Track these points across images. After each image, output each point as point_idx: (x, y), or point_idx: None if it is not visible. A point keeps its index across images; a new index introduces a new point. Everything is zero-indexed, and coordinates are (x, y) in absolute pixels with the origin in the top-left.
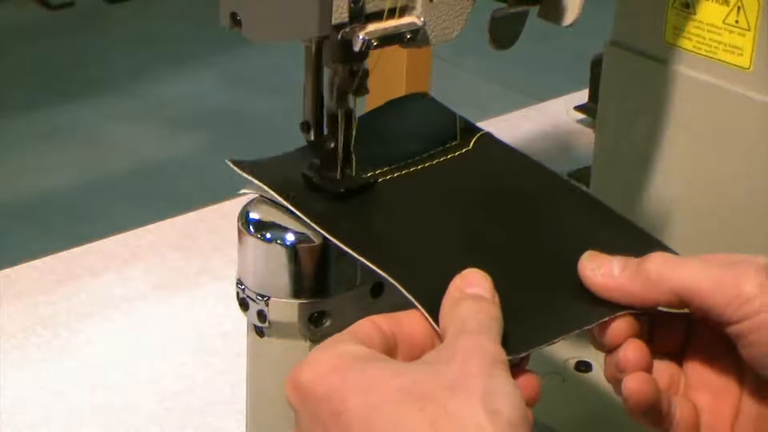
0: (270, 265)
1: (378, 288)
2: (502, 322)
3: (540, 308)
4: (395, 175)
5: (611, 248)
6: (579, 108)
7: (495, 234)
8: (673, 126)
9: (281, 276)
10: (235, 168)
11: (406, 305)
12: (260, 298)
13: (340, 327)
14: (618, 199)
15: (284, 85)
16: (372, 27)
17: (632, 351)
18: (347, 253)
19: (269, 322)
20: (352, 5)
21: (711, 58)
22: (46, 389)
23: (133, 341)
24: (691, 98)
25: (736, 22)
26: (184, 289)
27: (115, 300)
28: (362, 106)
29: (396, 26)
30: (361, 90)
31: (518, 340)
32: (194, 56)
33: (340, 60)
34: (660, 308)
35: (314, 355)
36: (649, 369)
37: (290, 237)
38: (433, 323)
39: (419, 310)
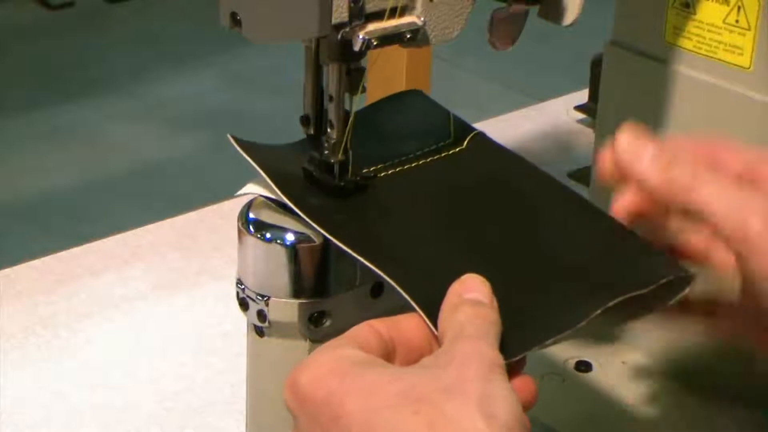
0: (270, 265)
1: (378, 288)
2: (500, 326)
3: (535, 309)
4: (390, 172)
5: (602, 247)
6: (579, 108)
7: (490, 234)
8: (673, 126)
9: (281, 276)
10: (235, 144)
11: (406, 306)
12: (260, 298)
13: (339, 327)
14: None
15: (284, 85)
16: (372, 27)
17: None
18: (347, 253)
19: (269, 322)
20: (352, 5)
21: (711, 57)
22: (46, 389)
23: (133, 341)
24: (691, 98)
25: (737, 21)
26: (184, 289)
27: (115, 300)
28: (362, 105)
29: (396, 26)
30: (358, 88)
31: (515, 343)
32: (194, 56)
33: (337, 59)
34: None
35: (313, 359)
36: None
37: (290, 237)
38: (432, 328)
39: (417, 315)
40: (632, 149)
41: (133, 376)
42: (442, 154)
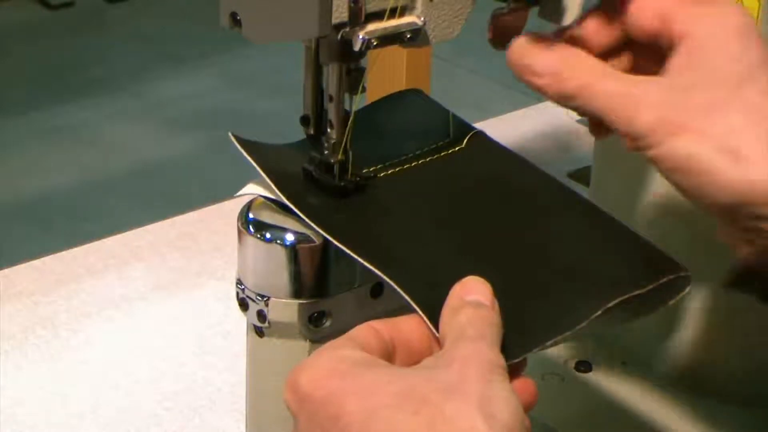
0: (270, 265)
1: (378, 288)
2: (501, 328)
3: (535, 310)
4: (389, 172)
5: (601, 247)
6: None
7: (490, 234)
8: None
9: (281, 276)
10: (236, 143)
11: (406, 306)
12: (260, 298)
13: (339, 327)
14: (617, 198)
15: (284, 85)
16: (372, 27)
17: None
18: (347, 254)
19: (269, 322)
20: (352, 5)
21: None
22: (46, 389)
23: (133, 341)
24: None
25: None
26: (184, 289)
27: (115, 300)
28: (362, 105)
29: (396, 26)
30: (358, 88)
31: (516, 344)
32: (194, 56)
33: (337, 59)
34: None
35: (312, 359)
36: None
37: (290, 237)
38: (433, 330)
39: (418, 316)
40: (526, 59)
41: (133, 376)
42: (442, 154)
